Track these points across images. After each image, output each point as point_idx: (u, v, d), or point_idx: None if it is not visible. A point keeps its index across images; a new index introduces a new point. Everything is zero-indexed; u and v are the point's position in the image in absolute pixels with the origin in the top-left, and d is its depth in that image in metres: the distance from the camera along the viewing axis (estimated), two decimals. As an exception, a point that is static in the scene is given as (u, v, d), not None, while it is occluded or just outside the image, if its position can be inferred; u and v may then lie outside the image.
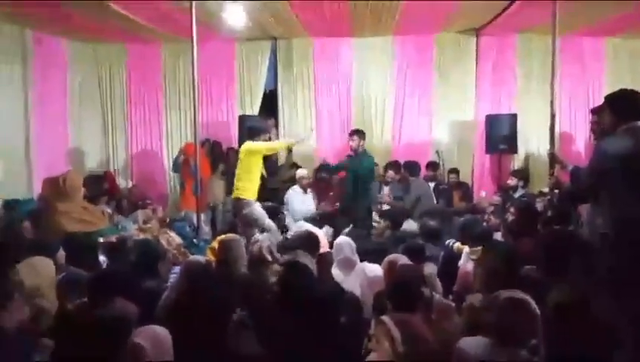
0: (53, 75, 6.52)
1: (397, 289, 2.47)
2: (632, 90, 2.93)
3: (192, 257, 3.53)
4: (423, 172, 6.60)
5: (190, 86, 5.78)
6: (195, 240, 4.90)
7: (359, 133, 5.97)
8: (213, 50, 6.97)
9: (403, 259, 3.16)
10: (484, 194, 6.77)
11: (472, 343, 1.95)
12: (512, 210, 4.60)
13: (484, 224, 4.66)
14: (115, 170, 7.46)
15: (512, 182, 6.16)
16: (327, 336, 2.44)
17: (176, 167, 6.71)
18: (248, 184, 5.02)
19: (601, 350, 1.78)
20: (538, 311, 1.92)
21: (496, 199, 5.99)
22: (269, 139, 5.48)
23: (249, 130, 5.44)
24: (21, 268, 2.93)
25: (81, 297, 2.66)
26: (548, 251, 2.90)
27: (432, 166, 6.75)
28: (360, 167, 5.90)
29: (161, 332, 2.12)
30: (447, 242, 4.05)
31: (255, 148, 5.09)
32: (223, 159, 6.95)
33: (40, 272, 2.92)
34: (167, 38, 6.76)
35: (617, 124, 2.76)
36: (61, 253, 3.41)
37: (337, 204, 6.25)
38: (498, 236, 4.10)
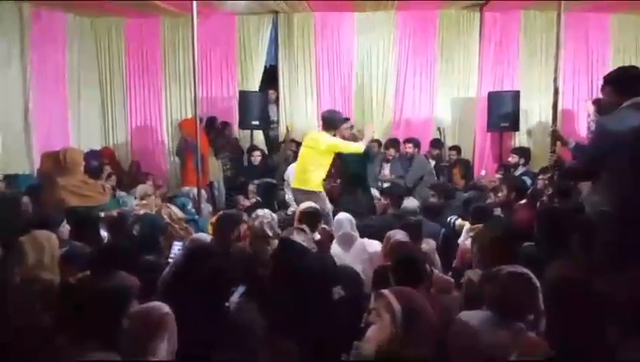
0: (51, 50, 6.43)
1: (403, 263, 2.48)
2: (630, 67, 2.96)
3: (196, 235, 3.53)
4: (425, 149, 6.57)
5: (190, 60, 5.70)
6: (196, 216, 4.91)
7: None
8: (214, 24, 6.87)
9: (402, 236, 3.17)
10: (484, 172, 6.76)
11: (471, 316, 1.97)
12: (503, 186, 4.65)
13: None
14: (114, 145, 7.44)
15: (512, 159, 6.15)
16: (322, 310, 2.47)
17: (179, 150, 6.69)
18: (320, 175, 4.73)
19: (600, 325, 1.79)
20: (538, 285, 1.94)
21: (497, 177, 5.99)
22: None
23: (324, 121, 4.80)
24: (24, 241, 2.95)
25: (83, 271, 2.69)
26: (547, 228, 2.92)
27: (437, 144, 6.73)
28: None
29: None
30: (449, 218, 4.06)
31: (341, 148, 4.72)
32: (218, 135, 6.92)
33: (43, 246, 2.94)
34: (167, 12, 6.65)
35: (619, 102, 2.77)
36: (65, 227, 3.43)
37: (336, 181, 6.22)
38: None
